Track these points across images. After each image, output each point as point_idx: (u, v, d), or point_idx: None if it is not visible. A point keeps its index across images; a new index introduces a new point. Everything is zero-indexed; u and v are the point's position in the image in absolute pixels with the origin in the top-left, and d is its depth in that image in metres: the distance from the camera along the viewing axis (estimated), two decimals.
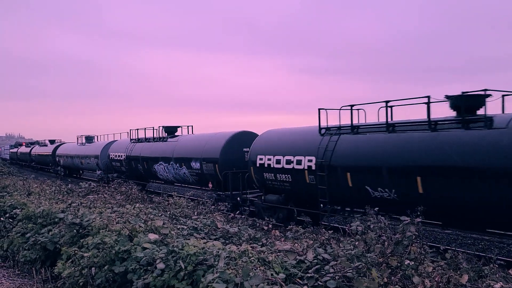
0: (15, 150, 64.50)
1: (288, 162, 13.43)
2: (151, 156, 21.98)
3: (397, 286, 3.99)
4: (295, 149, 13.41)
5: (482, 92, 9.50)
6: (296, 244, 5.39)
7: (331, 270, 3.86)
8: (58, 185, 14.36)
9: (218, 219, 7.77)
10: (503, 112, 9.87)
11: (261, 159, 14.57)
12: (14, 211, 8.97)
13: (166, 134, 22.36)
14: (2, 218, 9.08)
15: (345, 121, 12.20)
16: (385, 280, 4.01)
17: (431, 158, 9.68)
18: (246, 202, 15.51)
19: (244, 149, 16.42)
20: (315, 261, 4.24)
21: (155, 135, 22.79)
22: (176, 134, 22.34)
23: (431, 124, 10.03)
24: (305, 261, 4.25)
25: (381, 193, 10.73)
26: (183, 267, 4.07)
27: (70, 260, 5.73)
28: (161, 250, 4.69)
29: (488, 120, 9.16)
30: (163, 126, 22.46)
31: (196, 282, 3.94)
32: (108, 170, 27.29)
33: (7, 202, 9.92)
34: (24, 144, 62.74)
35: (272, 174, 14.11)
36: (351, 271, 3.81)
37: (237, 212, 10.89)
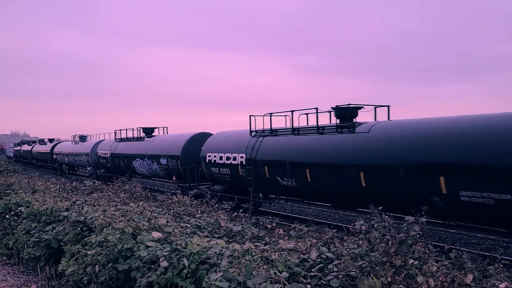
0: (18, 148, 67.50)
1: (228, 158, 16.63)
2: (130, 153, 25.43)
3: (401, 285, 3.97)
4: (232, 147, 16.56)
5: (364, 104, 12.97)
6: (300, 243, 5.37)
7: (335, 269, 3.84)
8: (63, 183, 14.41)
9: (222, 218, 7.77)
10: (375, 120, 12.90)
11: (209, 156, 17.66)
12: (19, 208, 9.01)
13: (144, 134, 25.70)
14: (7, 216, 9.12)
15: (301, 123, 14.97)
16: (389, 279, 4.00)
17: (316, 155, 12.80)
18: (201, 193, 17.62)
19: (201, 147, 18.69)
20: (319, 260, 4.23)
21: (135, 135, 26.22)
22: (153, 134, 25.61)
23: (319, 129, 13.30)
24: (309, 260, 4.24)
25: (287, 182, 13.98)
26: (187, 265, 4.07)
27: (74, 258, 5.74)
28: (164, 248, 4.70)
29: (351, 127, 12.33)
30: (141, 127, 25.86)
31: (199, 281, 3.94)
32: (97, 166, 30.60)
33: (12, 199, 9.96)
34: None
35: (217, 168, 17.30)
36: (354, 270, 3.80)
37: (241, 211, 10.90)
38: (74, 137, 39.52)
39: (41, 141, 53.18)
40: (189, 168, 19.36)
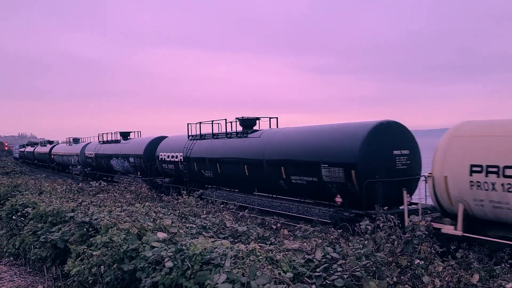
0: (23, 149, 73.09)
1: (173, 157, 21.84)
2: (109, 153, 30.63)
3: (406, 285, 3.95)
4: (176, 148, 21.75)
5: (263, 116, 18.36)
6: (305, 243, 5.36)
7: (339, 269, 3.83)
8: (69, 184, 14.48)
9: (227, 218, 7.77)
10: (270, 127, 18.24)
11: (161, 155, 22.88)
12: (25, 209, 9.06)
13: (121, 137, 30.89)
14: (14, 217, 9.18)
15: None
16: (395, 279, 3.98)
17: (223, 154, 18.14)
18: (156, 184, 23.01)
19: (156, 149, 23.94)
20: (324, 260, 4.21)
21: (114, 138, 31.42)
22: (129, 137, 30.85)
23: (227, 135, 18.83)
24: (314, 260, 4.23)
25: (207, 174, 19.28)
26: (190, 266, 4.07)
27: (80, 258, 5.77)
28: (169, 248, 4.70)
29: (245, 133, 17.74)
30: (119, 131, 31.14)
31: (202, 281, 3.94)
32: (85, 165, 35.89)
33: (19, 201, 10.02)
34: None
35: (166, 165, 22.57)
36: (359, 270, 3.78)
37: (246, 211, 10.92)
38: (68, 139, 44.58)
39: (42, 143, 58.34)
40: (149, 165, 24.54)
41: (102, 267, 5.20)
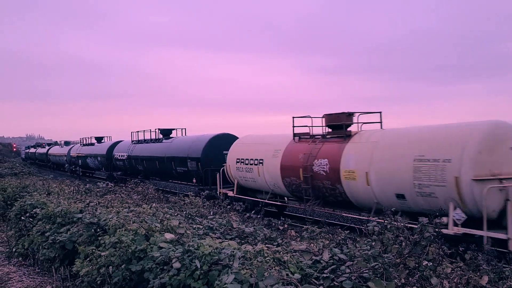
0: (27, 150, 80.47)
1: (122, 156, 29.81)
2: (86, 154, 38.40)
3: (414, 287, 3.94)
4: (124, 149, 29.84)
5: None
6: (312, 244, 5.36)
7: (347, 271, 3.82)
8: (77, 185, 14.57)
9: (234, 219, 7.78)
10: (184, 135, 26.16)
11: (116, 155, 31.19)
12: (34, 210, 9.10)
13: (95, 141, 38.68)
14: (22, 217, 9.24)
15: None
16: (403, 281, 3.96)
17: (147, 153, 26.14)
18: (113, 177, 30.16)
19: (114, 151, 31.92)
20: (331, 261, 4.20)
21: (91, 141, 39.67)
22: (103, 141, 38.03)
23: (152, 140, 26.42)
24: (321, 261, 4.22)
25: (140, 167, 27.39)
26: (199, 266, 4.08)
27: (88, 259, 5.80)
28: (177, 249, 4.71)
29: (161, 139, 25.51)
30: (95, 137, 39.10)
31: (211, 282, 3.95)
32: (71, 164, 43.79)
33: (28, 201, 10.08)
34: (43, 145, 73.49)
35: (119, 161, 30.61)
36: (367, 271, 3.77)
37: (253, 212, 10.94)
38: (61, 142, 53.72)
39: (42, 146, 68.57)
40: (109, 162, 32.39)
41: (110, 267, 5.22)
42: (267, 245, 4.87)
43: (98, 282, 5.34)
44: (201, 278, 4.06)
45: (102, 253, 5.44)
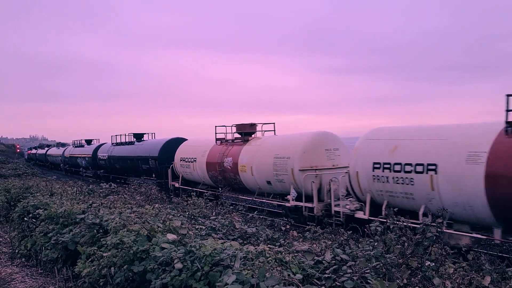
0: (29, 151, 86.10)
1: (103, 156, 33.78)
2: (76, 154, 42.92)
3: (417, 287, 3.92)
4: (105, 151, 33.71)
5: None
6: (314, 245, 5.35)
7: (349, 271, 3.81)
8: (80, 185, 14.60)
9: (236, 220, 7.78)
10: (154, 138, 30.00)
11: (99, 154, 35.36)
12: (37, 211, 9.13)
13: (85, 143, 42.92)
14: (25, 218, 9.26)
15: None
16: (405, 281, 3.95)
17: (122, 154, 30.24)
18: (99, 174, 35.06)
19: (97, 152, 36.70)
20: (333, 261, 4.20)
21: (82, 143, 44.11)
22: (92, 143, 41.82)
23: (127, 143, 30.39)
24: (323, 261, 4.21)
25: (117, 166, 31.51)
26: (200, 267, 4.08)
27: (90, 260, 5.81)
28: (179, 250, 4.71)
29: (134, 142, 29.83)
30: (85, 139, 43.58)
31: (213, 282, 3.95)
32: (65, 163, 48.26)
33: (31, 202, 10.11)
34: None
35: (101, 161, 34.62)
36: (369, 271, 3.76)
37: (255, 212, 10.94)
38: (58, 144, 60.56)
39: (42, 147, 73.87)
40: (94, 162, 37.28)
41: (112, 268, 5.23)
42: (269, 245, 4.86)
43: (101, 283, 5.35)
44: (203, 279, 4.05)
45: (104, 254, 5.44)
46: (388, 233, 5.18)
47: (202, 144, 20.23)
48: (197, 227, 6.56)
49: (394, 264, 4.13)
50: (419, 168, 10.50)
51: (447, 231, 9.61)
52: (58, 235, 7.31)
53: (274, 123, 18.34)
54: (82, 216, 7.38)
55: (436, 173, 10.15)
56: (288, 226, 8.72)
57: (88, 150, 38.81)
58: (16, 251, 8.88)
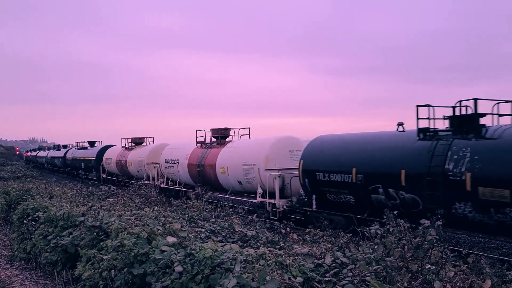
0: (27, 154, 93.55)
1: (58, 156, 51.01)
2: (54, 156, 53.45)
3: None
4: (71, 153, 44.74)
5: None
6: (314, 248, 5.34)
7: (349, 274, 3.81)
8: (79, 188, 14.59)
9: (236, 222, 7.77)
10: (102, 145, 40.51)
11: (68, 156, 45.85)
12: (36, 213, 9.13)
13: (62, 147, 53.13)
14: (25, 221, 9.25)
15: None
16: (405, 284, 3.95)
17: (77, 156, 42.58)
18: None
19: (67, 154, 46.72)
20: (333, 264, 4.19)
21: (57, 148, 55.99)
22: (69, 146, 51.08)
23: (81, 148, 43.65)
24: (323, 264, 4.21)
25: (78, 165, 41.68)
26: (200, 270, 4.08)
27: (90, 263, 5.80)
28: (179, 253, 4.71)
29: (86, 147, 42.39)
30: (62, 144, 53.93)
31: (213, 286, 3.94)
32: (47, 163, 59.07)
33: (30, 205, 10.10)
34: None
35: (68, 160, 45.12)
36: (369, 275, 3.76)
37: (255, 215, 10.92)
38: (54, 146, 69.17)
39: (34, 150, 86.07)
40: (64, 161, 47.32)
41: (112, 271, 5.22)
42: (269, 248, 4.86)
43: (101, 286, 5.34)
44: (203, 282, 4.05)
45: (104, 257, 5.44)
46: (388, 236, 5.18)
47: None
48: (196, 230, 6.55)
49: (394, 267, 4.13)
50: (175, 161, 22.58)
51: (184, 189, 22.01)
52: (58, 238, 7.30)
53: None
54: (82, 218, 7.37)
55: (179, 164, 22.16)
56: (288, 229, 8.71)
57: (60, 153, 51.00)
58: (16, 253, 8.87)
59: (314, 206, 13.65)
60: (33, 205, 9.95)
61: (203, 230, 6.66)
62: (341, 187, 12.64)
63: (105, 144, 38.82)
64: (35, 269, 8.07)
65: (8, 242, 10.38)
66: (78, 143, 45.29)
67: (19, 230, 9.55)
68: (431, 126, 10.83)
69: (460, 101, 10.28)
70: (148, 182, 22.88)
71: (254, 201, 16.51)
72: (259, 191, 16.10)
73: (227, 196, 19.03)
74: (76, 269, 6.10)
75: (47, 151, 65.30)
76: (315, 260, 4.32)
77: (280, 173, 15.62)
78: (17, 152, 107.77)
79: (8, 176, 27.31)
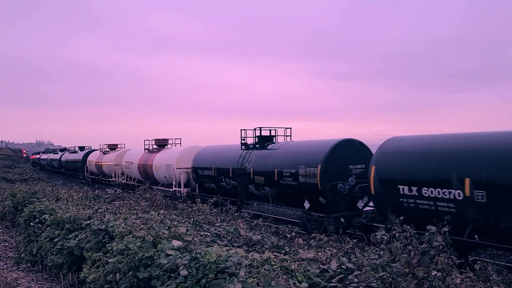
0: (33, 157, 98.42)
1: (73, 159, 50.01)
2: (52, 158, 62.64)
3: None
4: (77, 157, 47.30)
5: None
6: (320, 253, 5.33)
7: (355, 280, 3.79)
8: (85, 191, 14.65)
9: (241, 227, 7.76)
10: (90, 148, 50.46)
11: (63, 158, 55.46)
12: (43, 216, 9.17)
13: (60, 151, 61.24)
14: (31, 223, 9.30)
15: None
16: None
17: (65, 159, 55.88)
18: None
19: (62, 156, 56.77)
20: (339, 270, 4.18)
21: (72, 150, 55.34)
22: (67, 149, 58.11)
23: (71, 152, 54.45)
24: (329, 270, 4.20)
25: (70, 166, 53.03)
26: (205, 274, 4.07)
27: (96, 266, 5.81)
28: (184, 257, 4.71)
29: (76, 151, 51.55)
30: (78, 147, 53.50)
31: None
32: (47, 165, 65.94)
33: (37, 207, 10.15)
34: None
35: (63, 162, 55.14)
36: (375, 281, 3.74)
37: (260, 219, 10.91)
38: (54, 149, 75.79)
39: (38, 153, 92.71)
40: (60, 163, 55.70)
41: (117, 274, 5.23)
42: (274, 253, 4.85)
43: None
44: (208, 286, 4.05)
45: (110, 260, 5.45)
46: (394, 241, 5.15)
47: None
48: (202, 234, 6.55)
49: (400, 273, 4.10)
50: (131, 162, 30.98)
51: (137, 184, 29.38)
52: (64, 240, 7.32)
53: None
54: (88, 221, 7.40)
55: (133, 164, 30.57)
56: (293, 234, 8.69)
57: (56, 156, 59.30)
58: (22, 256, 8.91)
59: (197, 191, 21.90)
60: (40, 207, 10.00)
61: (209, 234, 6.66)
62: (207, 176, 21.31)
63: (95, 148, 46.06)
64: (41, 272, 8.10)
65: (14, 244, 10.44)
66: (71, 148, 53.84)
67: (25, 233, 9.60)
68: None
69: (261, 127, 18.53)
70: (115, 179, 33.52)
71: (171, 190, 23.81)
72: (174, 183, 23.60)
73: (159, 187, 25.49)
74: (81, 272, 6.12)
75: (47, 154, 73.42)
76: (321, 266, 4.30)
77: (186, 171, 22.95)
78: (24, 155, 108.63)
79: (15, 179, 27.49)
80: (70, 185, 22.93)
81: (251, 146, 18.67)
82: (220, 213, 10.71)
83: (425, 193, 9.73)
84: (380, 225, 10.94)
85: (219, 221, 9.02)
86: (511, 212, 7.93)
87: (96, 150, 43.29)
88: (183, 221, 7.99)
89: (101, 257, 5.76)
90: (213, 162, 20.21)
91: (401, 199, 10.58)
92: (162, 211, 9.33)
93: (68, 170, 51.33)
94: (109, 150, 38.25)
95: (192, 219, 8.59)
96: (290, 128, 19.08)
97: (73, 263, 6.99)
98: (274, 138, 18.93)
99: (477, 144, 9.27)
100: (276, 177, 15.75)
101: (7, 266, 8.66)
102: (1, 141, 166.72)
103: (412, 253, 4.60)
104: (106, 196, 13.44)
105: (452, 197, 9.05)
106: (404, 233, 5.24)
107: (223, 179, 19.27)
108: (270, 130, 19.22)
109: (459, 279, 4.45)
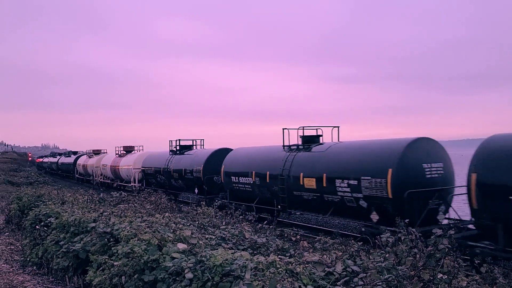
0: (38, 160, 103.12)
1: (66, 162, 58.12)
2: (52, 161, 70.40)
3: None
4: (70, 160, 55.91)
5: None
6: (325, 256, 5.31)
7: (360, 283, 3.78)
8: (90, 194, 14.68)
9: (246, 229, 7.76)
10: (78, 152, 62.89)
11: (59, 161, 64.04)
12: (48, 219, 9.21)
13: (58, 154, 70.17)
14: (37, 227, 9.34)
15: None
16: None
17: (61, 161, 66.83)
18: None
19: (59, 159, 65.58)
20: (344, 273, 4.17)
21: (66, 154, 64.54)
22: (78, 153, 59.51)
23: (67, 154, 66.69)
24: (334, 273, 4.19)
25: (59, 167, 66.57)
26: (210, 277, 4.08)
27: (101, 269, 5.83)
28: (189, 260, 4.72)
29: (83, 154, 56.11)
30: (72, 151, 61.62)
31: None
32: (50, 168, 70.45)
33: (42, 210, 10.19)
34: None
35: (60, 165, 62.36)
36: (381, 283, 3.73)
37: (265, 222, 10.89)
38: (53, 154, 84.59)
39: (41, 157, 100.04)
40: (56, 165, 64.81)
41: (123, 277, 5.24)
42: (279, 256, 4.84)
43: None
44: None
45: (115, 263, 5.47)
46: (399, 244, 5.13)
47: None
48: (207, 237, 6.56)
49: (406, 276, 4.08)
50: (106, 165, 37.46)
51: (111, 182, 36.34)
52: (69, 243, 7.36)
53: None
54: (93, 224, 7.42)
55: (106, 166, 37.23)
56: (298, 237, 8.67)
57: (54, 159, 67.15)
58: (28, 259, 8.95)
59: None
60: (45, 210, 10.04)
61: (214, 237, 6.66)
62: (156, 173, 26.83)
63: (85, 152, 52.04)
64: (46, 275, 8.13)
65: (20, 247, 10.49)
66: (66, 152, 64.12)
67: (31, 236, 9.64)
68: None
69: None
70: (95, 178, 39.62)
71: (129, 185, 30.13)
72: (132, 179, 30.12)
73: (123, 184, 32.33)
74: (87, 275, 6.14)
75: (49, 158, 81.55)
76: (326, 268, 4.29)
77: (139, 170, 29.19)
78: (30, 158, 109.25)
79: (21, 182, 27.63)
80: (76, 188, 23.02)
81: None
82: (225, 216, 10.70)
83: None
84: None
85: (224, 224, 9.02)
86: None
87: (84, 154, 50.30)
88: (188, 224, 7.99)
89: (106, 260, 5.78)
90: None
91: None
92: (167, 214, 9.33)
93: (63, 171, 59.34)
94: (93, 154, 45.05)
95: (197, 222, 8.59)
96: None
97: (78, 266, 7.01)
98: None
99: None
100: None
101: (13, 269, 8.70)
102: (7, 145, 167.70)
103: (418, 255, 4.58)
104: (111, 199, 13.46)
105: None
106: (410, 236, 5.21)
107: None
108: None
109: (465, 282, 4.42)
